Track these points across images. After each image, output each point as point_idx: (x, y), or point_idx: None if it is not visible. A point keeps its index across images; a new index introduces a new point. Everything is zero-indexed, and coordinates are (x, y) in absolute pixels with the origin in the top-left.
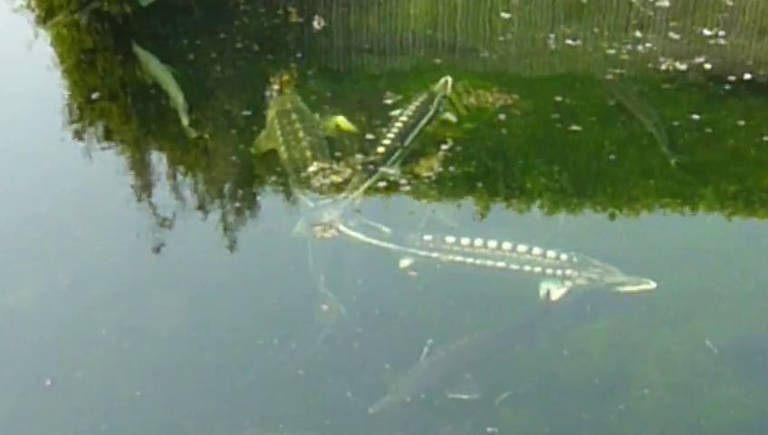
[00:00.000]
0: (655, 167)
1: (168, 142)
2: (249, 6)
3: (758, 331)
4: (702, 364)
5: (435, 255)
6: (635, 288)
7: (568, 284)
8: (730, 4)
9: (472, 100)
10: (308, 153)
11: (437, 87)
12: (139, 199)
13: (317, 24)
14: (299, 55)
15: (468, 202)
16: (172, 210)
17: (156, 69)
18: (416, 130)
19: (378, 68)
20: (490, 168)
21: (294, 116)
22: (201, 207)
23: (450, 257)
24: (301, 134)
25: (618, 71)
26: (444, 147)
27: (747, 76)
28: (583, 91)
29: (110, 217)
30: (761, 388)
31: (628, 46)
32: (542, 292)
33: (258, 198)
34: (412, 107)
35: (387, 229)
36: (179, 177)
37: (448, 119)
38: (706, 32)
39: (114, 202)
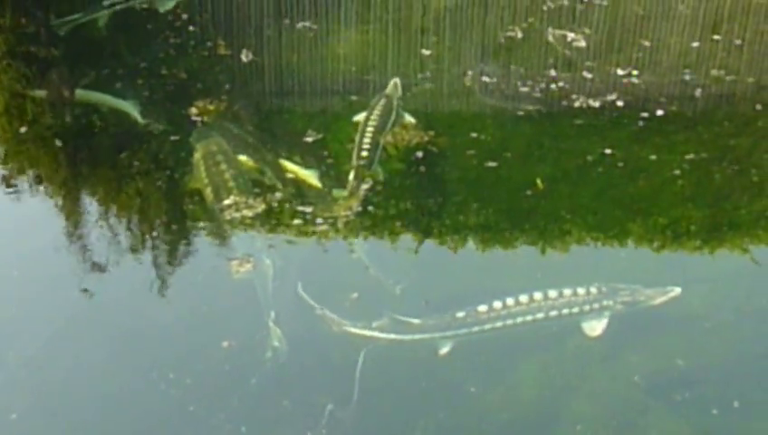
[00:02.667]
0: (578, 201)
1: (100, 182)
2: (179, 39)
3: (686, 364)
4: (631, 399)
5: (474, 329)
6: (665, 298)
7: (607, 314)
8: (646, 44)
9: (389, 138)
10: (233, 191)
11: (389, 90)
12: (71, 241)
13: (245, 57)
14: (227, 87)
15: (402, 242)
16: (103, 251)
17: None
18: (386, 132)
19: (302, 105)
20: (411, 207)
21: (220, 157)
22: (132, 247)
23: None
24: (226, 175)
25: (531, 107)
26: (364, 186)
27: (659, 112)
28: (497, 127)
29: (37, 261)
30: (686, 421)
31: (542, 84)
32: (587, 330)
33: (190, 236)
34: (376, 111)
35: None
36: (110, 215)
37: (408, 121)
38: (620, 71)
39: (43, 244)
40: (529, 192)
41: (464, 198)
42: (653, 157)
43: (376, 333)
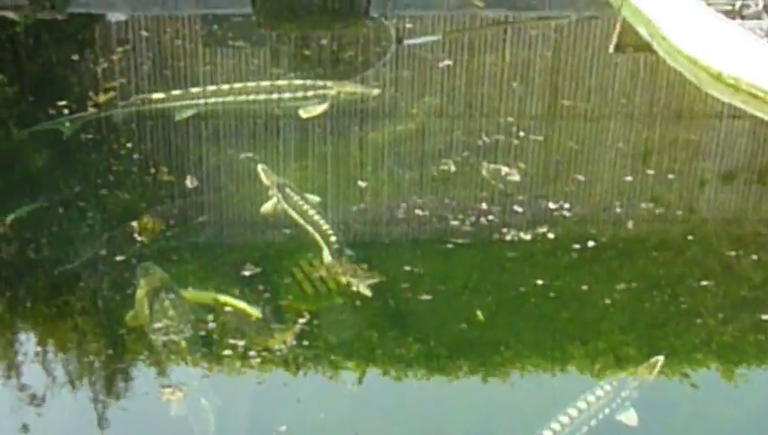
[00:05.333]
0: (516, 331)
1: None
2: (122, 166)
3: None
4: None
5: None
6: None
7: None
8: (580, 178)
9: (322, 272)
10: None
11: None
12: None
13: (190, 183)
14: (174, 211)
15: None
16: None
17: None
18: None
19: (243, 236)
20: (349, 339)
21: (164, 295)
22: (70, 382)
23: None
24: (171, 312)
25: (460, 241)
26: (301, 321)
27: (591, 244)
28: (429, 260)
29: None
30: None
31: (474, 218)
32: None
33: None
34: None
35: None
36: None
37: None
38: (552, 204)
39: None
40: (465, 325)
41: (401, 331)
42: (584, 287)
43: None
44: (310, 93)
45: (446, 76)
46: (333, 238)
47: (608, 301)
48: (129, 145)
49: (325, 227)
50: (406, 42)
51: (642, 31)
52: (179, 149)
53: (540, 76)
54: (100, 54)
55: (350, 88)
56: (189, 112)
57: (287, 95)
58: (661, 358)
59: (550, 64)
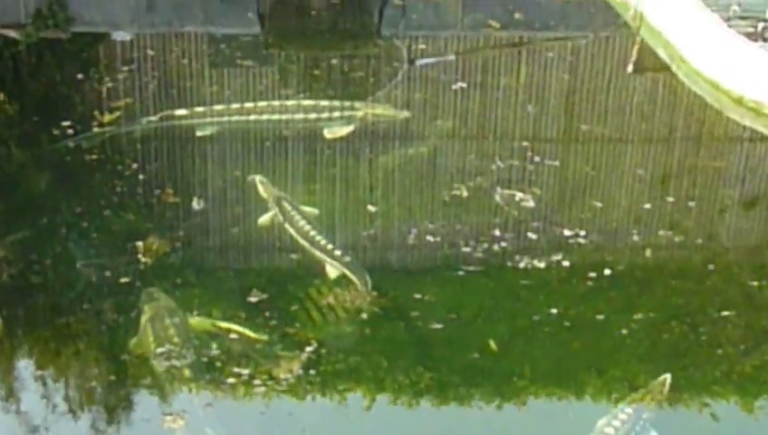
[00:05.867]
0: (530, 360)
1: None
2: (126, 188)
3: None
4: None
5: None
6: None
7: None
8: (597, 205)
9: (330, 299)
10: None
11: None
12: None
13: (197, 204)
14: (180, 233)
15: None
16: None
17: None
18: None
19: (250, 261)
20: (357, 368)
21: (169, 321)
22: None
23: None
24: (175, 339)
25: (472, 268)
26: (308, 348)
27: (607, 272)
28: (440, 288)
29: None
30: None
31: (486, 244)
32: None
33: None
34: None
35: None
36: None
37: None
38: (567, 231)
39: None
40: (477, 354)
41: (411, 360)
42: (600, 316)
43: None
44: (336, 114)
45: (459, 98)
46: (332, 248)
47: (624, 330)
48: (142, 164)
49: (324, 241)
50: (418, 62)
51: (661, 52)
52: (189, 169)
53: (556, 98)
54: (105, 74)
55: (378, 110)
56: (211, 130)
57: (312, 115)
58: (668, 376)
59: (566, 86)
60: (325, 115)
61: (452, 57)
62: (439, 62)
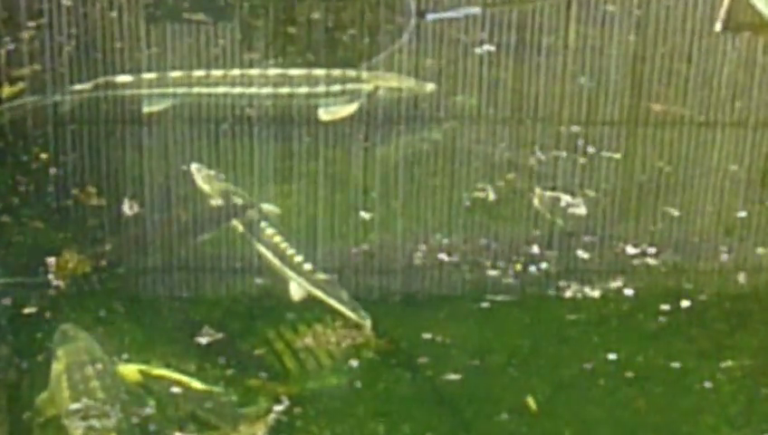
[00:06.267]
0: (579, 423)
1: None
2: (32, 186)
3: None
4: None
5: None
6: None
7: None
8: (672, 212)
9: (308, 340)
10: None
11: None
12: None
13: (128, 208)
14: (106, 247)
15: None
16: None
17: None
18: None
19: (202, 287)
20: (349, 433)
21: (90, 369)
22: None
23: None
24: (99, 395)
25: (501, 297)
26: (277, 407)
27: (685, 304)
28: (458, 325)
29: None
30: None
31: (521, 266)
32: None
33: None
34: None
35: None
36: None
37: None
38: (631, 249)
39: None
40: (508, 415)
41: (419, 424)
42: (675, 364)
43: None
44: (335, 88)
45: (486, 66)
46: (300, 261)
47: (708, 384)
48: (56, 152)
49: (289, 250)
50: (430, 16)
51: (759, 3)
52: (120, 160)
53: (618, 67)
54: (4, 32)
55: (393, 82)
56: (163, 104)
57: (303, 89)
58: None
59: (632, 51)
60: (320, 89)
61: (476, 9)
62: (459, 15)
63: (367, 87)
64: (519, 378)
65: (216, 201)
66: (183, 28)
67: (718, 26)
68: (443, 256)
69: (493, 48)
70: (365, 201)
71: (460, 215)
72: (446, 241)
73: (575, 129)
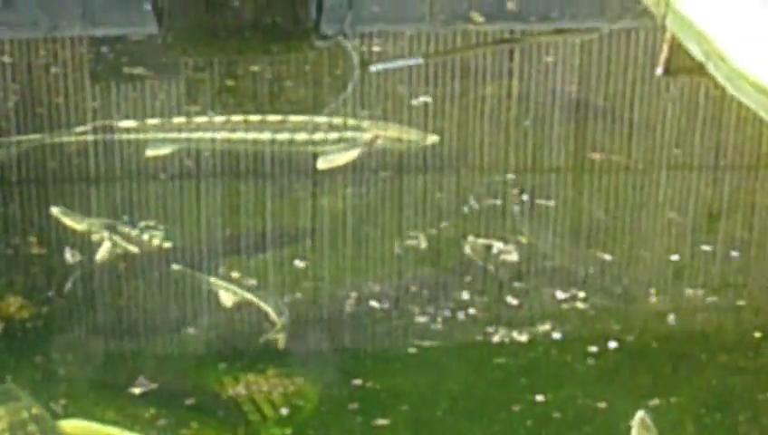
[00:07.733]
0: None
1: None
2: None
3: None
4: None
5: None
6: None
7: None
8: (605, 257)
9: (240, 389)
10: None
11: None
12: None
13: (70, 256)
14: (48, 294)
15: None
16: None
17: None
18: None
19: (134, 338)
20: None
21: (34, 429)
22: None
23: None
24: None
25: (429, 343)
26: None
27: (613, 344)
28: (387, 371)
29: None
30: None
31: (447, 312)
32: None
33: None
34: None
35: None
36: None
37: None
38: (560, 293)
39: None
40: None
41: None
42: (602, 404)
43: None
44: (333, 135)
45: (426, 116)
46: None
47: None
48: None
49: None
50: (373, 67)
51: (693, 48)
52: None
53: (558, 114)
54: None
55: (394, 132)
56: (167, 149)
57: (302, 136)
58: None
59: (572, 97)
60: (319, 136)
61: (419, 60)
62: (403, 66)
63: (366, 136)
64: (448, 422)
65: (100, 233)
66: (125, 83)
67: (659, 71)
68: (373, 303)
69: (429, 100)
70: (298, 249)
71: (390, 262)
72: (376, 289)
73: (510, 176)
